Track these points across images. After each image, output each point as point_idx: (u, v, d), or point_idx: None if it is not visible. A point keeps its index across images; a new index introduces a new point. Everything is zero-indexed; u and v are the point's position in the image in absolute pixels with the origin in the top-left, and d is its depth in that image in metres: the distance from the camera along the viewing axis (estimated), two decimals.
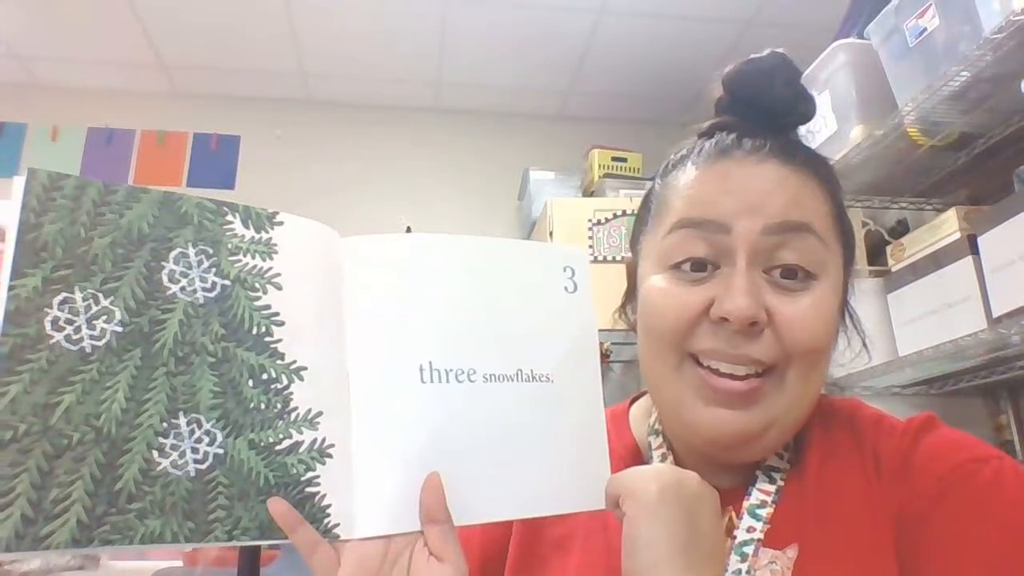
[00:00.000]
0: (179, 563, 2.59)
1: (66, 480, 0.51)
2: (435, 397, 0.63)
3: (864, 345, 0.80)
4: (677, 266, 0.71)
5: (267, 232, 0.61)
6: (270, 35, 3.06)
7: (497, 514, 0.65)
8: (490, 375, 0.65)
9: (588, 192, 3.05)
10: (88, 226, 0.55)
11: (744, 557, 0.69)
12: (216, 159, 3.40)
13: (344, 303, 0.63)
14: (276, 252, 0.61)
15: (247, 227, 0.60)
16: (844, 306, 0.76)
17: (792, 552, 0.68)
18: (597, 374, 0.71)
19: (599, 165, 3.02)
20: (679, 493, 0.61)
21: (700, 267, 0.70)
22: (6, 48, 3.11)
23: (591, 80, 3.36)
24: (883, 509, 0.68)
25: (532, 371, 0.67)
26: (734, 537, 0.70)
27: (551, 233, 2.62)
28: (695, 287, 0.69)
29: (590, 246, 2.58)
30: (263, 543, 0.57)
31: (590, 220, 2.62)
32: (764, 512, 0.71)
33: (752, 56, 0.75)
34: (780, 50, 0.74)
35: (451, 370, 0.64)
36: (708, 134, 0.77)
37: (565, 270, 0.71)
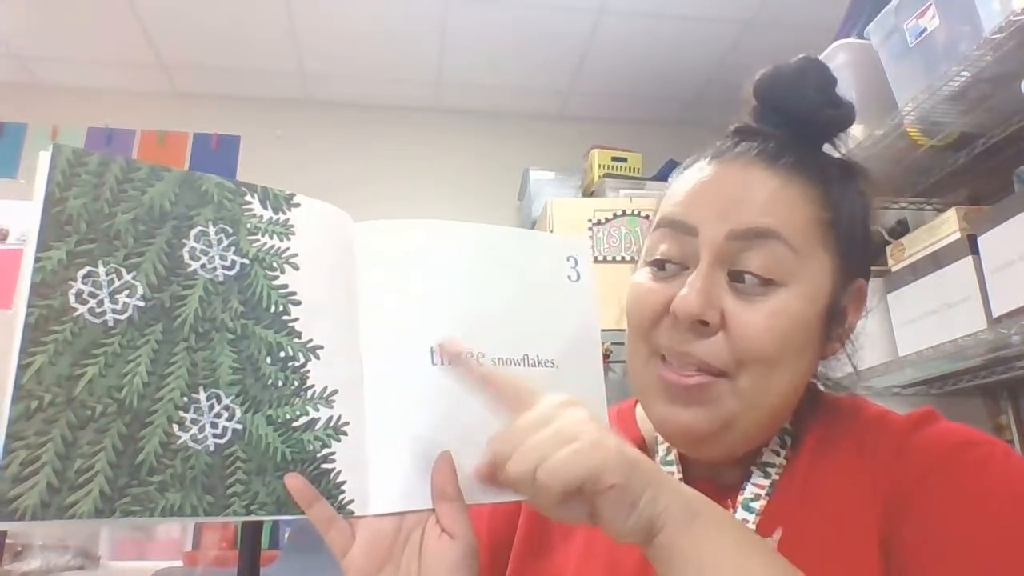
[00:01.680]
0: (179, 563, 2.59)
1: (89, 451, 0.51)
2: (445, 379, 0.64)
3: (848, 357, 0.78)
4: (654, 263, 0.73)
5: (284, 213, 0.62)
6: (270, 35, 3.06)
7: (506, 494, 0.66)
8: (498, 359, 0.66)
9: (588, 192, 3.06)
10: (111, 202, 0.56)
11: None
12: (216, 159, 3.40)
13: (357, 285, 0.64)
14: (293, 233, 0.62)
15: (265, 208, 0.62)
16: (828, 313, 0.72)
17: (777, 535, 0.69)
18: (599, 361, 0.72)
19: (599, 165, 3.03)
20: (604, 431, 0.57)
21: (672, 266, 0.72)
22: (6, 48, 3.11)
23: (591, 80, 3.37)
24: (872, 495, 0.68)
25: (538, 356, 0.68)
26: None
27: (551, 233, 2.63)
28: (662, 284, 0.71)
29: (590, 246, 2.59)
30: (279, 518, 0.58)
31: (590, 220, 2.63)
32: (757, 505, 0.71)
33: (782, 63, 0.75)
34: (812, 55, 0.74)
35: (461, 353, 0.65)
36: (726, 137, 0.78)
37: (568, 259, 0.73)
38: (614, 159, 3.06)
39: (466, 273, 0.68)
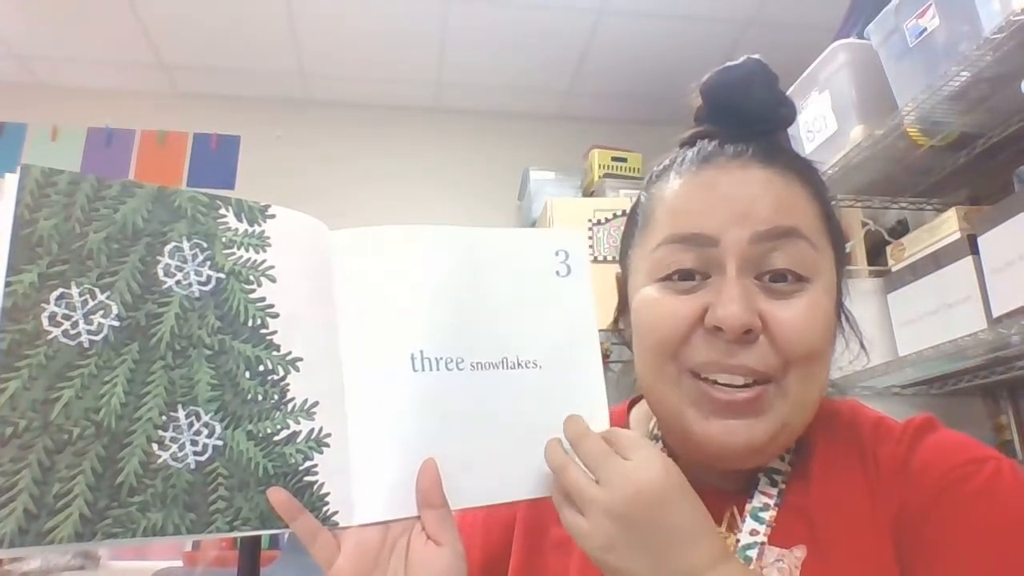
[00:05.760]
0: (179, 563, 2.60)
1: (67, 475, 0.51)
2: (427, 385, 0.64)
3: (862, 345, 0.79)
4: (667, 278, 0.70)
5: (260, 225, 0.62)
6: (270, 35, 3.06)
7: (491, 498, 0.66)
8: (477, 363, 0.66)
9: (588, 192, 3.06)
10: (83, 221, 0.55)
11: (749, 560, 0.68)
12: (216, 159, 3.40)
13: (336, 294, 0.64)
14: (269, 245, 0.62)
15: (240, 220, 0.61)
16: (839, 307, 0.75)
17: (800, 552, 0.68)
18: (594, 358, 0.71)
19: (599, 165, 3.02)
20: (628, 523, 0.59)
21: (689, 276, 0.70)
22: (6, 48, 3.12)
23: (591, 80, 3.36)
24: (884, 511, 0.68)
25: (518, 358, 0.68)
26: (738, 540, 0.70)
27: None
28: (687, 296, 0.69)
29: (590, 246, 2.59)
30: (264, 532, 0.58)
31: (590, 220, 2.63)
32: (767, 515, 0.71)
33: (728, 64, 0.74)
34: (756, 56, 0.74)
35: (441, 359, 0.65)
36: (690, 143, 0.77)
37: (558, 254, 0.71)
38: (614, 159, 3.05)
39: (445, 276, 0.67)
